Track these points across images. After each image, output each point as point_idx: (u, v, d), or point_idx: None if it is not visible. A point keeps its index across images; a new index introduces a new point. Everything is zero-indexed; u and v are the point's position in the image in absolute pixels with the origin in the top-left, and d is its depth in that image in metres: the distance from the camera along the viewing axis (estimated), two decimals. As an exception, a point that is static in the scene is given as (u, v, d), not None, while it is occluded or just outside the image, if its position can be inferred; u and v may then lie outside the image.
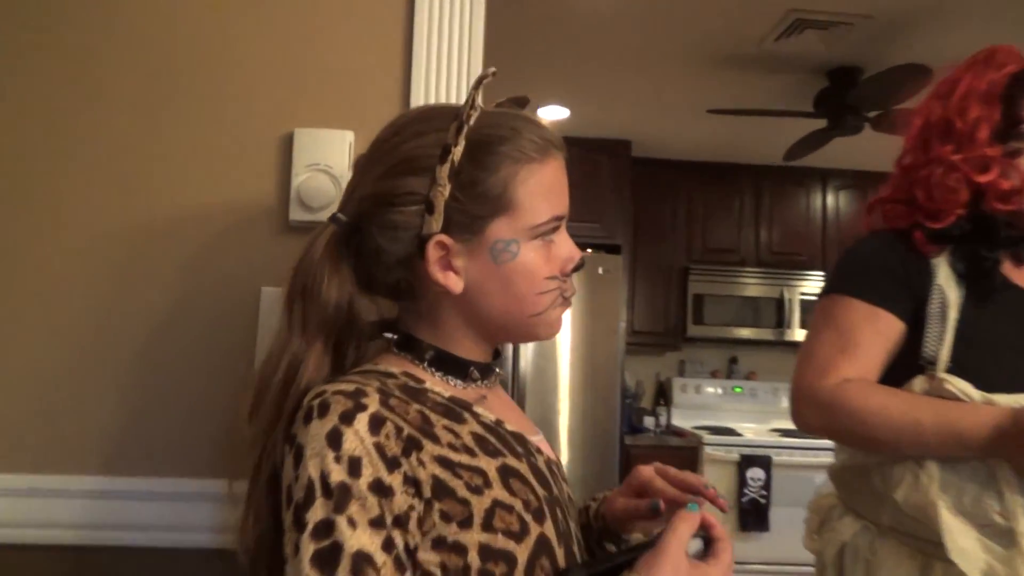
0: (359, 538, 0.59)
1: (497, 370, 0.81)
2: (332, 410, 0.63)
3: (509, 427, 0.76)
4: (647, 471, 0.83)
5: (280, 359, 0.72)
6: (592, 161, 4.28)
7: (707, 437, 3.92)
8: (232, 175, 1.05)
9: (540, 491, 0.71)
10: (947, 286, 1.16)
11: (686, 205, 4.56)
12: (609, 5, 2.76)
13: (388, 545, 0.60)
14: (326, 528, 0.59)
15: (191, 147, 1.06)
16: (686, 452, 3.96)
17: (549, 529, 0.69)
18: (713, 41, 3.05)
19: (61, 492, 0.98)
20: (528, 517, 0.67)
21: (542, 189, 0.73)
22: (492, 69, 0.75)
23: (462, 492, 0.65)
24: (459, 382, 0.76)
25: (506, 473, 0.69)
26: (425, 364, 0.75)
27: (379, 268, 0.75)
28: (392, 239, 0.72)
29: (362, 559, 0.59)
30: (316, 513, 0.60)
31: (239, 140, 1.06)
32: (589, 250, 4.14)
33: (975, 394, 1.09)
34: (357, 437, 0.62)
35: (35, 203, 1.03)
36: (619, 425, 3.90)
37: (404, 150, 0.72)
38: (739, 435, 4.01)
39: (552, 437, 3.81)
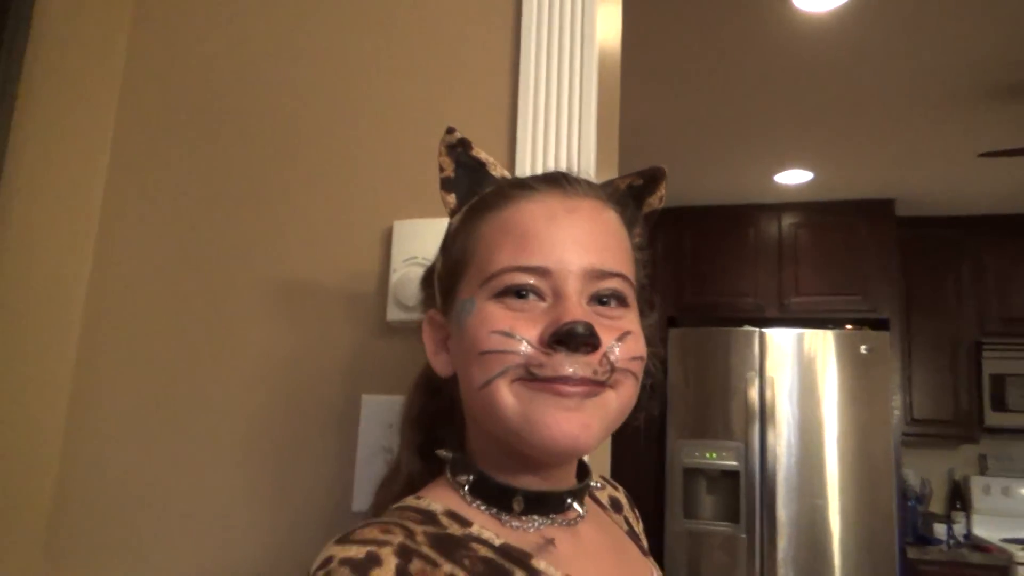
0: None
1: (577, 505, 0.61)
2: None
3: None
4: None
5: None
6: (847, 226, 3.81)
7: (1020, 554, 3.14)
8: (335, 271, 0.99)
9: None
10: None
11: (972, 267, 3.85)
12: (839, 48, 2.42)
13: None
14: None
15: (298, 239, 1.01)
16: (992, 572, 3.20)
17: None
18: (980, 72, 2.54)
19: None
20: None
21: (505, 232, 0.58)
22: (453, 130, 0.66)
23: None
24: (508, 518, 0.59)
25: None
26: (464, 492, 0.59)
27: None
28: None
29: None
30: None
31: (344, 236, 0.99)
32: (849, 326, 3.63)
33: None
34: None
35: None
36: (898, 534, 3.26)
37: None
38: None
39: (820, 546, 3.29)
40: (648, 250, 0.67)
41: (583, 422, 0.54)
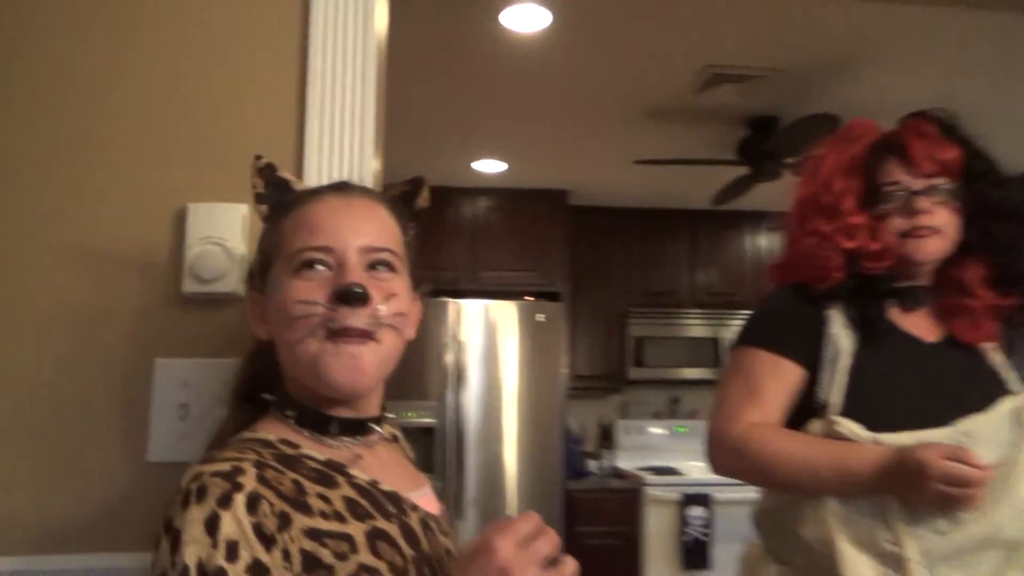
0: None
1: (377, 428, 0.83)
2: (209, 494, 0.64)
3: (384, 487, 0.78)
4: None
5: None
6: (530, 212, 4.39)
7: (648, 478, 3.97)
8: (126, 248, 1.07)
9: (407, 551, 0.73)
10: (840, 335, 1.23)
11: (624, 251, 4.68)
12: (536, 63, 2.86)
13: None
14: None
15: (85, 219, 1.08)
16: (628, 494, 4.00)
17: None
18: (639, 96, 3.17)
19: None
20: None
21: (299, 225, 0.79)
22: (261, 157, 0.85)
23: (328, 560, 0.67)
24: (326, 439, 0.78)
25: (374, 536, 0.71)
26: (293, 423, 0.78)
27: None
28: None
29: None
30: None
31: (134, 213, 1.08)
32: (529, 298, 4.20)
33: (864, 435, 1.16)
34: (235, 520, 0.63)
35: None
36: (562, 471, 3.92)
37: None
38: (681, 475, 4.07)
39: (497, 485, 3.82)
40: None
41: (359, 368, 0.75)
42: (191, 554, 0.62)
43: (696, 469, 4.26)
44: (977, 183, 1.23)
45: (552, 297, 4.27)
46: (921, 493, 1.07)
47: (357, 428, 0.80)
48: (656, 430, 4.63)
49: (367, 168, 1.12)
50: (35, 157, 1.08)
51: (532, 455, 3.90)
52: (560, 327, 4.09)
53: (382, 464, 0.83)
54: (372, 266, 0.78)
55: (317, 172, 1.10)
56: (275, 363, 0.82)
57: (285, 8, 1.15)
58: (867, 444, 1.15)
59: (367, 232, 0.78)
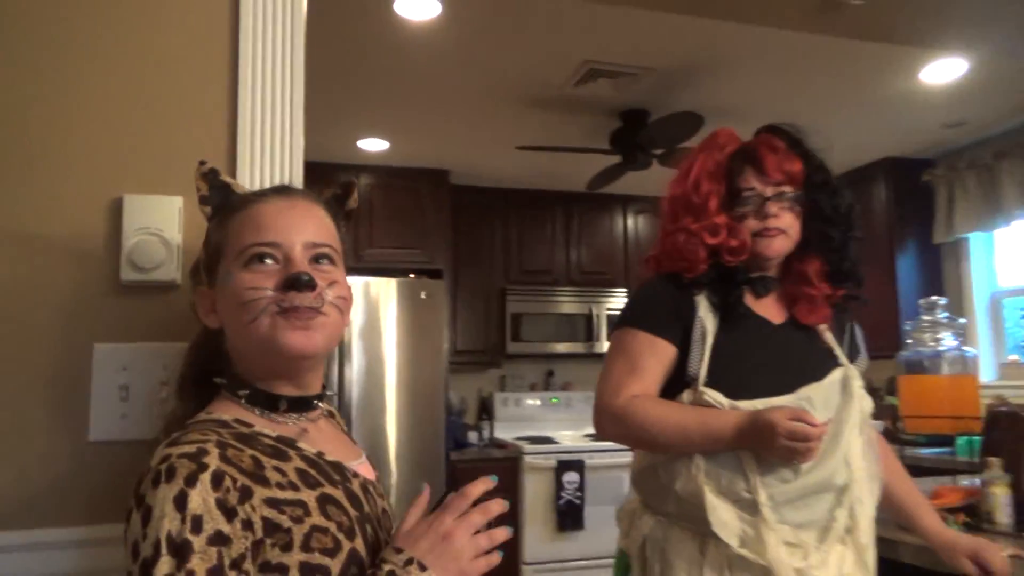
0: None
1: (319, 404, 0.94)
2: (178, 474, 0.74)
3: (329, 458, 0.89)
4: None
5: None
6: (412, 190, 4.46)
7: (526, 447, 4.19)
8: (62, 236, 1.12)
9: (352, 512, 0.85)
10: (706, 318, 1.43)
11: (503, 230, 4.85)
12: (425, 50, 2.95)
13: None
14: None
15: (21, 210, 1.11)
16: (508, 463, 4.20)
17: (359, 544, 0.84)
18: (521, 86, 3.34)
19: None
20: (341, 536, 0.82)
21: (247, 224, 0.89)
22: (205, 162, 0.94)
23: (287, 524, 0.78)
24: (276, 416, 0.89)
25: (324, 501, 0.83)
26: (244, 402, 0.88)
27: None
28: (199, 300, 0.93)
29: None
30: (162, 568, 0.70)
31: (70, 204, 1.12)
32: (412, 275, 4.30)
33: (725, 402, 1.36)
34: (200, 496, 0.73)
35: None
36: (444, 441, 4.08)
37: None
38: (556, 443, 4.33)
39: (381, 457, 3.92)
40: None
41: (309, 335, 0.87)
42: (163, 528, 0.71)
43: (569, 437, 4.55)
44: (815, 192, 1.46)
45: (434, 275, 4.38)
46: (771, 448, 1.29)
47: (303, 405, 0.92)
48: (532, 401, 4.88)
49: (296, 149, 1.21)
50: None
51: (415, 428, 4.02)
52: (442, 304, 4.22)
53: (325, 437, 0.95)
54: (315, 259, 0.89)
55: (250, 163, 1.18)
56: (222, 350, 0.92)
57: (215, 7, 1.21)
58: (726, 410, 1.36)
59: (309, 230, 0.90)
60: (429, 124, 3.80)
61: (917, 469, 2.82)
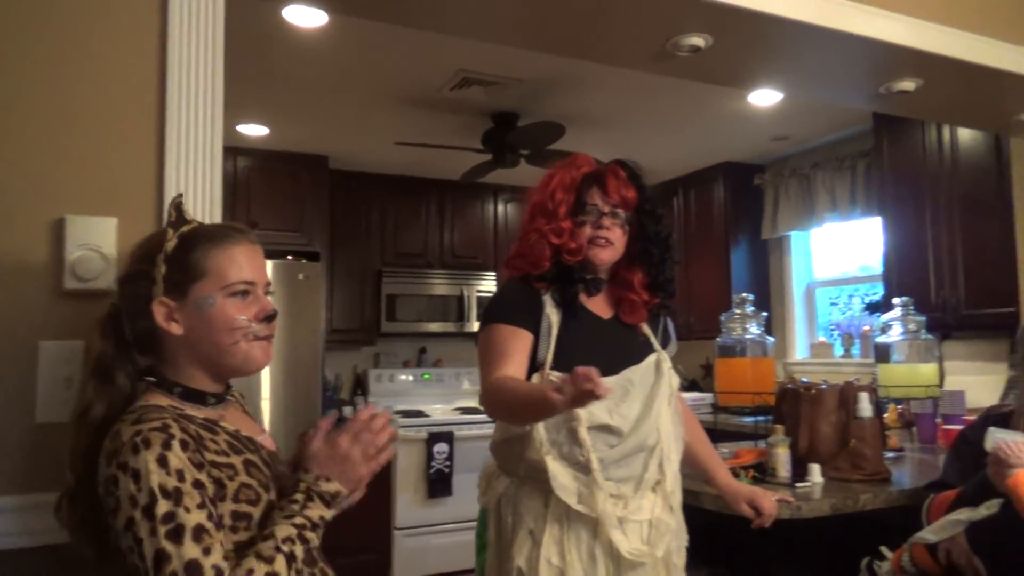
0: (194, 516, 0.96)
1: (229, 397, 1.21)
2: (153, 442, 0.98)
3: (243, 433, 1.16)
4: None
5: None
6: (291, 174, 4.59)
7: (399, 420, 4.48)
8: (11, 252, 1.30)
9: (267, 472, 1.13)
10: (551, 312, 1.76)
11: (379, 214, 5.07)
12: (311, 53, 3.14)
13: (210, 516, 0.98)
14: (171, 516, 0.95)
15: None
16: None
17: (273, 496, 1.11)
18: (400, 88, 3.57)
19: None
20: (261, 490, 1.09)
21: (231, 262, 1.12)
22: (180, 194, 1.17)
23: (225, 482, 1.05)
24: (203, 407, 1.15)
25: (247, 464, 1.10)
26: (176, 397, 1.13)
27: (132, 329, 1.12)
28: (134, 305, 1.11)
29: (199, 528, 0.96)
30: (161, 508, 0.95)
31: (18, 223, 1.31)
32: (290, 257, 4.45)
33: (565, 381, 1.71)
34: (176, 456, 0.99)
35: None
36: (320, 416, 4.28)
37: (141, 247, 1.15)
38: (427, 416, 4.64)
39: (258, 433, 4.08)
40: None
41: (267, 353, 1.17)
42: (153, 481, 0.96)
43: (440, 411, 4.87)
44: (644, 217, 1.82)
45: (312, 257, 4.55)
46: (570, 401, 1.35)
47: (221, 398, 1.19)
48: (405, 377, 5.16)
49: (215, 168, 1.44)
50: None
51: (291, 403, 4.21)
52: (319, 285, 4.40)
53: (237, 419, 1.22)
54: (267, 294, 1.18)
55: (177, 184, 1.39)
56: (122, 345, 1.13)
57: (144, 35, 1.41)
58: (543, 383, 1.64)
59: (265, 271, 1.19)
60: (311, 111, 3.94)
61: (738, 435, 3.37)
